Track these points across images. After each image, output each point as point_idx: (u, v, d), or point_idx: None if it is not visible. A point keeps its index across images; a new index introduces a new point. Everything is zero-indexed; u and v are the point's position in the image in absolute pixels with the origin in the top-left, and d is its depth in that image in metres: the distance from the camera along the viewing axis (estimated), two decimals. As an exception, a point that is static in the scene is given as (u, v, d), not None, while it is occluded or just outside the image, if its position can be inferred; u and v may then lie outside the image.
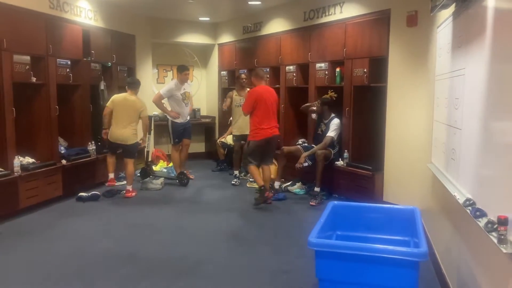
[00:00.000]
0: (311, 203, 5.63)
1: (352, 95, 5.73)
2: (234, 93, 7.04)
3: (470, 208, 2.33)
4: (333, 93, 5.98)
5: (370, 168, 5.41)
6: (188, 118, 6.95)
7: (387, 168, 5.33)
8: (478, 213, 2.20)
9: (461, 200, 2.50)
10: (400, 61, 5.09)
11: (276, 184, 6.15)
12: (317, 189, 5.77)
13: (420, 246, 2.35)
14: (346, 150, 5.83)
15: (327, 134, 5.85)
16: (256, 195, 5.59)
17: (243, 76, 7.04)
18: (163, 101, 6.74)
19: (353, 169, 5.63)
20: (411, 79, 4.95)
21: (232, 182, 6.93)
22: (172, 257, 3.89)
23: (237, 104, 6.91)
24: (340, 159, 5.92)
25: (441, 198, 3.55)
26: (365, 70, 5.47)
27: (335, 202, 3.15)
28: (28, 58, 5.21)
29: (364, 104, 5.78)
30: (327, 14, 6.19)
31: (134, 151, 6.24)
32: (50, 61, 5.57)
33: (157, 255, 3.93)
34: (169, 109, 6.76)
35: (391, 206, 3.24)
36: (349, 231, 3.08)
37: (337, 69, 6.07)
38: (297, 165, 5.84)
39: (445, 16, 3.53)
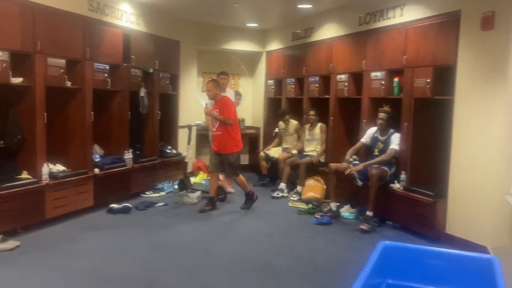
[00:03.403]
0: (361, 226, 4.98)
1: (412, 108, 5.01)
2: (307, 127, 6.75)
3: None
4: (388, 107, 5.32)
5: (432, 194, 4.65)
6: None
7: (452, 195, 4.55)
8: None
9: None
10: (471, 70, 4.34)
11: (333, 206, 5.53)
12: (369, 213, 5.09)
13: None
14: (403, 171, 5.09)
15: (391, 147, 5.18)
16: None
17: (311, 113, 6.61)
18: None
19: (411, 193, 4.89)
20: (485, 91, 4.18)
21: (273, 194, 6.50)
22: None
23: (307, 137, 6.75)
24: (396, 181, 5.19)
25: (525, 241, 2.81)
26: (428, 80, 4.74)
27: (387, 242, 2.52)
28: (63, 61, 4.98)
29: (426, 119, 5.03)
30: (385, 17, 5.52)
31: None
32: (87, 65, 5.34)
33: (176, 284, 3.45)
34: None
35: (460, 252, 2.53)
36: (403, 280, 2.43)
37: (395, 79, 5.37)
38: (347, 171, 5.26)
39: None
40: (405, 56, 5.10)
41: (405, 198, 4.95)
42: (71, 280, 3.47)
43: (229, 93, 6.59)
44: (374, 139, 5.43)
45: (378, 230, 5.00)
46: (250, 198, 5.91)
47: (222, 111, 5.59)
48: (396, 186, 5.13)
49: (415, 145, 5.04)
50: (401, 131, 5.15)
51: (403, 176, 5.07)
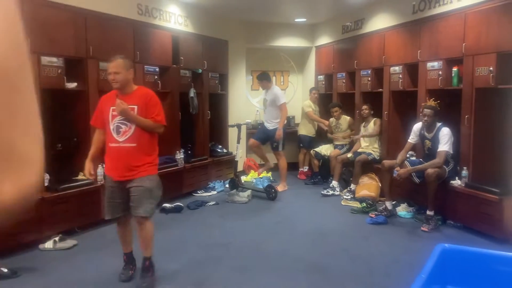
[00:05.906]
0: (423, 228, 4.72)
1: (474, 99, 4.65)
2: (363, 125, 6.53)
3: None
4: (433, 100, 4.99)
5: (497, 191, 4.29)
6: (268, 125, 6.58)
7: (521, 192, 4.18)
8: None
9: None
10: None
11: (389, 204, 5.28)
12: (430, 212, 4.81)
13: None
14: (465, 167, 4.75)
15: (440, 149, 4.82)
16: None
17: (364, 107, 6.40)
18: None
19: (473, 190, 4.55)
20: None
21: (323, 192, 6.30)
22: (242, 290, 3.35)
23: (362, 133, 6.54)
24: (456, 177, 4.85)
25: None
26: (491, 68, 4.38)
27: (445, 245, 2.31)
28: (115, 65, 5.12)
29: (489, 110, 4.66)
30: (441, 3, 5.18)
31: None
32: (137, 68, 5.42)
33: (226, 283, 3.42)
34: None
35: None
36: (466, 287, 2.21)
37: (454, 68, 5.02)
38: (397, 176, 4.98)
39: None
40: (464, 44, 4.75)
41: (467, 195, 4.61)
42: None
43: (275, 90, 6.54)
44: (421, 137, 5.10)
45: (438, 230, 4.71)
46: (150, 269, 3.38)
47: (151, 110, 3.32)
48: (457, 183, 4.80)
49: (478, 139, 4.69)
50: (461, 124, 4.81)
51: (464, 172, 4.73)
